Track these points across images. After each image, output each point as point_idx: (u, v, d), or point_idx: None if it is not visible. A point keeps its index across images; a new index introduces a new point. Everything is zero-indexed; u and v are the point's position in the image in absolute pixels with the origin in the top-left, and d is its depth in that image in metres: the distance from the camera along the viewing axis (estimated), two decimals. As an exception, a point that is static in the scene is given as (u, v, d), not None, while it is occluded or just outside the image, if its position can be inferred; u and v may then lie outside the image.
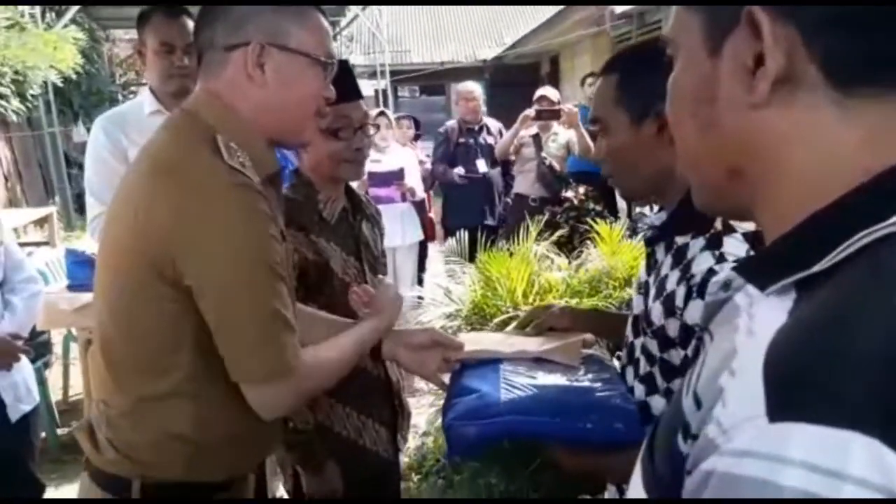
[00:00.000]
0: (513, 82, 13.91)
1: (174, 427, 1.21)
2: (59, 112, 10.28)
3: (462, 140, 5.36)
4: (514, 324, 1.98)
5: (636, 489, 0.57)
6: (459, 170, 5.29)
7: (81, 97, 11.07)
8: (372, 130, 1.88)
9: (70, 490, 3.01)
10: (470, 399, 1.20)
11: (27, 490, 2.41)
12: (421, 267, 5.35)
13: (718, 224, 1.15)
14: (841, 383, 0.40)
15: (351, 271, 1.80)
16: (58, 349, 4.31)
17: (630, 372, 1.29)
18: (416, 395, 3.85)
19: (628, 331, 1.33)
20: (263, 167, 1.23)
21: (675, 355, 1.16)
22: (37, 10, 9.29)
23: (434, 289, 3.84)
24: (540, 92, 5.24)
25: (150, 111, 2.48)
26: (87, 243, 3.65)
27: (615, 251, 3.51)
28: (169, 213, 1.11)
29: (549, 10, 10.67)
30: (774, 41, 0.50)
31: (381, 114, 5.11)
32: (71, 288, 3.52)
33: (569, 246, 4.18)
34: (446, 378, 1.42)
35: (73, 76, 9.60)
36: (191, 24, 2.27)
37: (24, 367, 2.41)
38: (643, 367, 1.24)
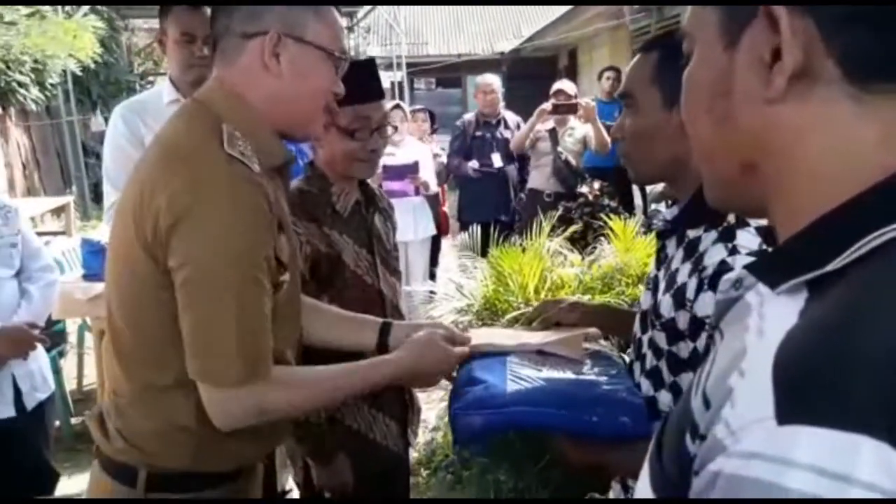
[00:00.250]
0: (530, 75, 13.84)
1: (179, 418, 1.22)
2: (77, 101, 10.37)
3: (479, 133, 5.33)
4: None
5: (644, 489, 0.57)
6: (474, 163, 5.25)
7: (100, 86, 11.14)
8: (389, 131, 1.87)
9: (82, 479, 3.03)
10: (477, 389, 1.20)
11: (41, 478, 2.43)
12: (433, 262, 5.33)
13: (731, 217, 1.14)
14: (850, 386, 0.39)
15: (363, 264, 1.80)
16: (72, 338, 4.35)
17: (637, 367, 1.29)
18: (427, 391, 3.84)
19: (636, 327, 1.32)
20: (269, 158, 1.23)
21: (684, 348, 1.15)
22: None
23: (446, 283, 3.83)
24: (557, 85, 5.18)
25: (169, 100, 2.49)
26: (103, 233, 3.66)
27: (629, 248, 3.48)
28: (164, 199, 1.11)
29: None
30: (792, 35, 0.49)
31: (397, 106, 5.10)
32: (86, 277, 3.55)
33: (582, 242, 4.15)
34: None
35: (92, 65, 9.70)
36: (211, 13, 2.28)
37: (40, 356, 2.44)
38: (650, 361, 1.24)
